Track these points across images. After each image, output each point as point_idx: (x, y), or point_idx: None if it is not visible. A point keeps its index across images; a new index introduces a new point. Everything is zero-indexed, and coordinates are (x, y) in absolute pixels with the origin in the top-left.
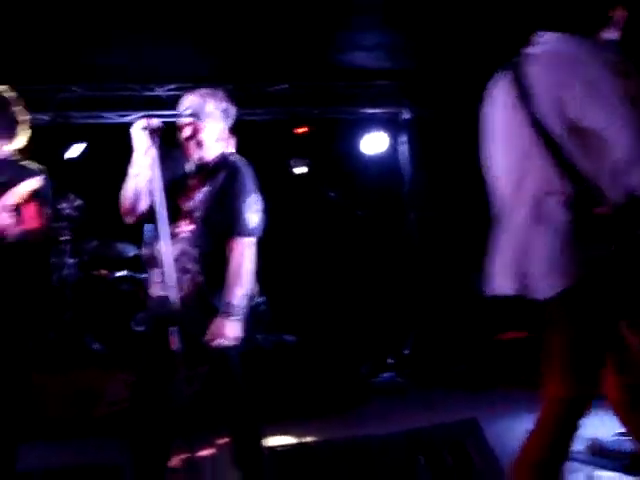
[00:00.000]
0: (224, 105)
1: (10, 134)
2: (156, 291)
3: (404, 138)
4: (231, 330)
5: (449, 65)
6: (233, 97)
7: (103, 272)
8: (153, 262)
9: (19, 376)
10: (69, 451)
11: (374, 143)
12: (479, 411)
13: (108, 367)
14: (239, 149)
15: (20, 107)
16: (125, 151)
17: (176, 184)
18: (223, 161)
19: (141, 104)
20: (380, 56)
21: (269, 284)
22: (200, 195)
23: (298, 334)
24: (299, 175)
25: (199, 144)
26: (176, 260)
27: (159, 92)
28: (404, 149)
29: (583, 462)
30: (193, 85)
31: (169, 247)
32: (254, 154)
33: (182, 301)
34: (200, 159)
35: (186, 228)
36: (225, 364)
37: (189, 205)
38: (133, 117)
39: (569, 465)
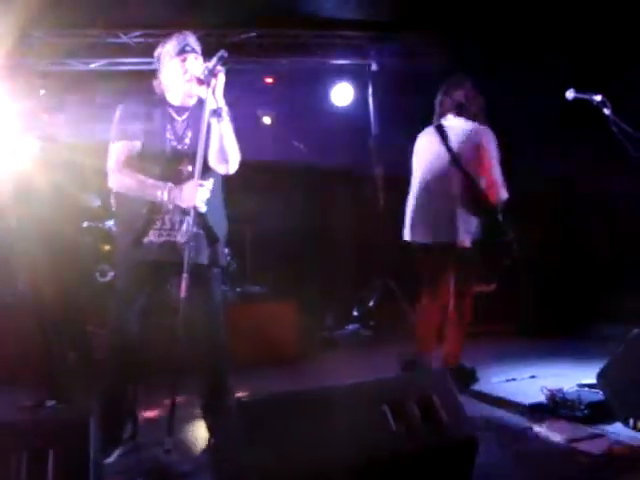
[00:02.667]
0: None
1: None
2: (155, 238)
3: (372, 90)
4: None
5: (417, 16)
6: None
7: None
8: (154, 209)
9: None
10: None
11: (341, 95)
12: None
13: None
14: None
15: None
16: (89, 98)
17: (161, 130)
18: (200, 103)
19: (107, 51)
20: (348, 6)
21: (235, 237)
22: (190, 136)
23: (264, 285)
24: (267, 125)
25: (198, 81)
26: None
27: (125, 39)
28: (372, 101)
29: (545, 412)
30: (160, 32)
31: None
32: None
33: (187, 242)
34: (182, 101)
35: (181, 168)
36: (213, 310)
37: (181, 147)
38: (97, 64)
39: (532, 415)
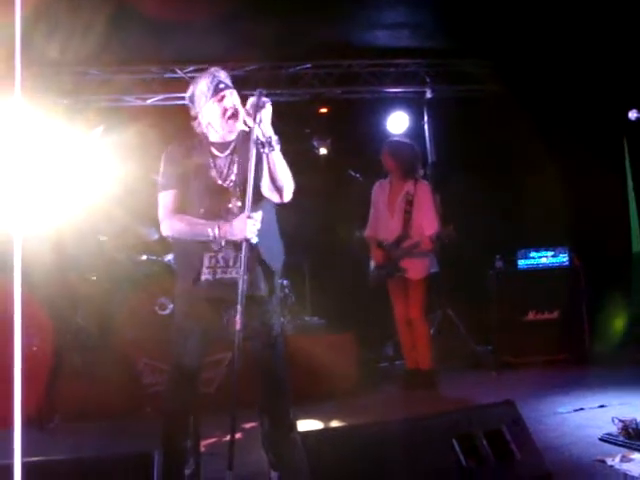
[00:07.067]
0: None
1: None
2: (211, 276)
3: (427, 117)
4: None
5: (471, 43)
6: (255, 78)
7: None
8: (205, 246)
9: None
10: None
11: (397, 123)
12: (507, 392)
13: (133, 352)
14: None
15: None
16: (146, 133)
17: (204, 170)
18: (246, 135)
19: (162, 86)
20: (402, 35)
21: (293, 268)
22: (236, 171)
23: (322, 316)
24: (323, 155)
25: (247, 114)
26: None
27: (181, 74)
28: (427, 128)
29: (617, 444)
30: (215, 66)
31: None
32: (278, 135)
33: (242, 276)
34: (223, 137)
35: (230, 205)
36: (273, 342)
37: (227, 184)
38: (154, 100)
39: (604, 447)
